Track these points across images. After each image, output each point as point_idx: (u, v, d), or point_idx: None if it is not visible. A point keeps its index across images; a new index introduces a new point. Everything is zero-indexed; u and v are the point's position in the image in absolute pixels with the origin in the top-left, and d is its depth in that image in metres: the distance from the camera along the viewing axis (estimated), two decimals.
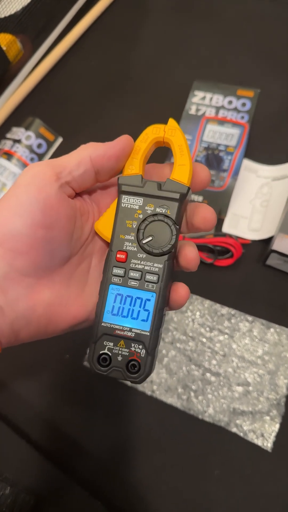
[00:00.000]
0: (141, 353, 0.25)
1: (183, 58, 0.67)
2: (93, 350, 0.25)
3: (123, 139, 0.26)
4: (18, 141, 0.60)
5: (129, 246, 0.26)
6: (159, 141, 0.27)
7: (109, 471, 0.43)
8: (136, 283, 0.25)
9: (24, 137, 0.60)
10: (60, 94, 0.68)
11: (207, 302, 0.49)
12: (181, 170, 0.26)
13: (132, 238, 0.26)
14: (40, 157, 0.61)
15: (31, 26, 0.71)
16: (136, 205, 0.26)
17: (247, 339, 0.47)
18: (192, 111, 0.60)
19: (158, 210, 0.26)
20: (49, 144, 0.62)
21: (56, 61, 0.70)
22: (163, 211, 0.26)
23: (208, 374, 0.46)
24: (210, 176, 0.27)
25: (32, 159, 0.60)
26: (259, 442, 0.42)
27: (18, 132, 0.61)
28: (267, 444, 0.42)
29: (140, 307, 0.25)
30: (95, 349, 0.25)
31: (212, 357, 0.46)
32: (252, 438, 0.43)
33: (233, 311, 0.48)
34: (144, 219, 0.26)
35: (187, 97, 0.62)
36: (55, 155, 0.63)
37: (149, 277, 0.25)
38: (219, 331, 0.48)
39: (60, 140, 0.64)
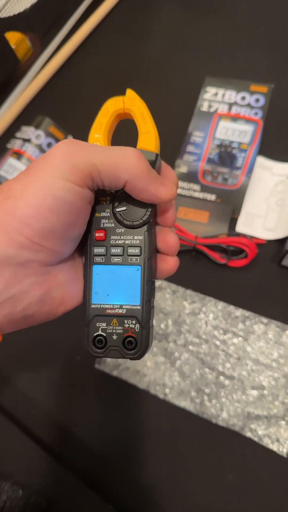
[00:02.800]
0: (136, 328, 0.24)
1: (193, 54, 0.66)
2: (87, 333, 0.25)
3: (173, 191, 0.24)
4: (27, 140, 0.59)
5: (106, 223, 0.25)
6: (120, 113, 0.26)
7: (121, 475, 0.43)
8: (119, 259, 0.25)
9: (34, 136, 0.60)
10: (69, 92, 0.67)
11: (221, 304, 0.48)
12: (146, 138, 0.25)
13: (108, 214, 0.25)
14: None
15: (40, 24, 0.70)
16: None
17: (262, 341, 0.46)
18: (204, 108, 0.59)
19: None
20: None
21: (65, 59, 0.69)
22: None
23: (221, 378, 0.45)
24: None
25: None
26: (274, 447, 0.41)
27: (27, 131, 0.60)
28: (283, 449, 0.41)
29: (127, 282, 0.25)
30: (89, 332, 0.25)
31: (226, 360, 0.45)
32: (267, 443, 0.42)
33: (247, 313, 0.47)
34: (118, 193, 0.25)
35: (199, 94, 0.60)
36: None
37: (131, 250, 0.25)
38: (233, 334, 0.46)
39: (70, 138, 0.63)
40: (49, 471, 0.43)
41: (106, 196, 0.25)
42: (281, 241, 0.49)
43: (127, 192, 0.24)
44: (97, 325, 0.25)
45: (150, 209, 0.25)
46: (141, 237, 0.25)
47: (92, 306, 0.25)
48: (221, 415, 0.43)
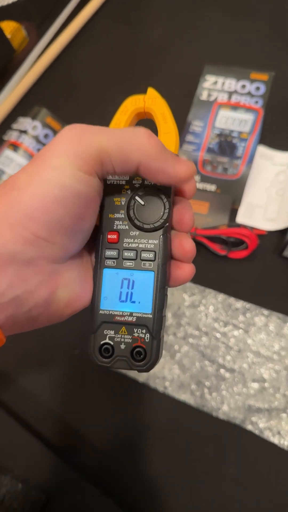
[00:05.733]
0: (146, 337, 0.23)
1: (193, 42, 0.65)
2: (93, 341, 0.24)
3: (192, 168, 0.22)
4: (24, 131, 0.58)
5: (120, 225, 0.24)
6: (140, 113, 0.25)
7: (121, 469, 0.42)
8: (131, 264, 0.24)
9: (31, 127, 0.59)
10: (66, 82, 0.66)
11: (221, 296, 0.47)
12: (166, 138, 0.24)
13: (122, 216, 0.24)
14: None
15: (36, 13, 0.69)
16: (122, 180, 0.24)
17: (262, 333, 0.45)
18: (204, 96, 0.58)
19: (146, 182, 0.24)
20: (56, 134, 0.61)
21: (62, 48, 0.68)
22: (152, 183, 0.24)
23: (222, 370, 0.44)
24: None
25: (38, 150, 0.59)
26: (275, 440, 0.41)
27: (24, 123, 0.59)
28: (284, 442, 0.41)
29: (138, 288, 0.23)
30: (95, 339, 0.24)
31: (226, 352, 0.45)
32: (268, 436, 0.41)
33: (248, 305, 0.46)
34: (133, 194, 0.24)
35: (198, 82, 0.59)
36: None
37: (145, 255, 0.23)
38: (233, 326, 0.46)
39: None
40: (49, 465, 0.42)
41: (120, 196, 0.24)
42: (282, 232, 0.48)
43: (142, 177, 0.22)
44: (105, 333, 0.24)
45: (167, 212, 0.23)
46: (156, 241, 0.23)
47: (101, 312, 0.24)
48: (221, 408, 0.43)
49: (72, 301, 0.23)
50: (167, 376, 0.45)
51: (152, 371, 0.45)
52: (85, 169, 0.20)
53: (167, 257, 0.24)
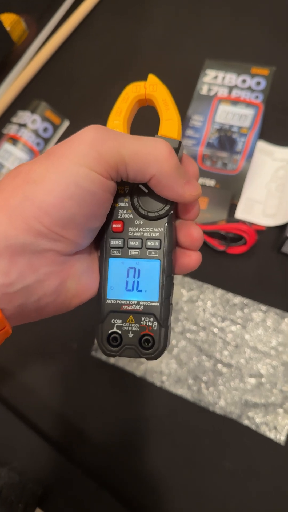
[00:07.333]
0: (153, 326, 0.23)
1: (193, 36, 0.64)
2: (101, 330, 0.24)
3: (199, 191, 0.23)
4: (23, 125, 0.58)
5: (124, 214, 0.24)
6: (141, 100, 0.25)
7: (118, 462, 0.43)
8: (137, 252, 0.24)
9: (30, 121, 0.58)
10: (66, 75, 0.66)
11: (219, 291, 0.47)
12: (168, 125, 0.24)
13: (126, 204, 0.24)
14: (46, 141, 0.60)
15: (35, 5, 0.68)
16: None
17: (260, 329, 0.45)
18: (204, 91, 0.58)
19: None
20: (55, 127, 0.61)
21: (62, 41, 0.67)
22: None
23: (219, 365, 0.44)
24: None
25: (38, 144, 0.58)
26: (271, 435, 0.41)
27: (23, 116, 0.59)
28: (280, 437, 0.41)
29: (145, 277, 0.23)
30: (103, 329, 0.24)
31: (224, 347, 0.45)
32: (265, 431, 0.41)
33: (246, 301, 0.46)
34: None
35: (198, 77, 0.59)
36: (62, 139, 0.61)
37: (150, 243, 0.23)
38: (231, 321, 0.46)
39: (66, 123, 0.62)
40: (46, 459, 0.43)
41: (124, 185, 0.24)
42: (281, 228, 0.48)
43: (149, 185, 0.22)
44: (112, 322, 0.24)
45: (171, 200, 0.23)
46: (161, 230, 0.23)
47: (107, 301, 0.24)
48: (218, 403, 0.43)
49: (80, 292, 0.24)
50: (164, 370, 0.45)
51: (149, 365, 0.45)
52: (102, 173, 0.21)
53: (173, 244, 0.24)
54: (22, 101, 0.63)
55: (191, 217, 0.25)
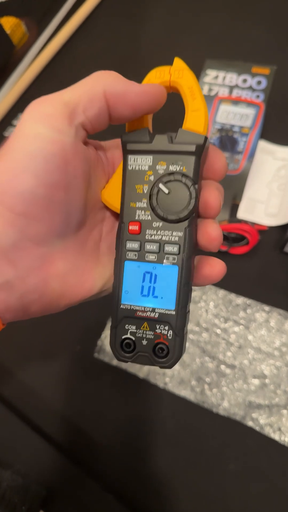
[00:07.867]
0: (168, 335, 0.22)
1: (193, 36, 0.64)
2: (114, 335, 0.23)
3: (156, 89, 0.21)
4: None
5: (142, 215, 0.22)
6: (165, 86, 0.23)
7: (121, 464, 0.43)
8: (154, 257, 0.22)
9: None
10: (67, 78, 0.65)
11: (221, 292, 0.47)
12: (194, 117, 0.22)
13: (145, 205, 0.22)
14: None
15: (36, 8, 0.69)
16: (145, 165, 0.22)
17: (263, 330, 0.45)
18: (204, 91, 0.57)
19: (171, 168, 0.22)
20: None
21: (62, 43, 0.67)
22: (178, 169, 0.22)
23: (222, 366, 0.44)
24: (226, 165, 0.23)
25: None
26: (276, 436, 0.41)
27: None
28: (285, 438, 0.41)
29: (161, 283, 0.22)
30: (117, 334, 0.23)
31: (227, 348, 0.45)
32: (269, 432, 0.41)
33: (248, 301, 0.46)
34: (156, 181, 0.22)
35: (199, 77, 0.59)
36: None
37: (168, 248, 0.22)
38: (234, 322, 0.46)
39: None
40: (49, 460, 0.43)
41: (143, 183, 0.22)
42: (284, 227, 0.48)
43: (114, 111, 0.21)
44: (126, 328, 0.23)
45: (193, 201, 0.22)
46: (180, 234, 0.22)
47: (122, 306, 0.23)
48: (222, 404, 0.43)
49: (67, 293, 0.23)
50: (167, 372, 0.45)
51: (151, 367, 0.45)
52: (51, 126, 0.20)
53: (193, 250, 0.22)
54: (23, 104, 0.63)
55: (211, 212, 0.23)
